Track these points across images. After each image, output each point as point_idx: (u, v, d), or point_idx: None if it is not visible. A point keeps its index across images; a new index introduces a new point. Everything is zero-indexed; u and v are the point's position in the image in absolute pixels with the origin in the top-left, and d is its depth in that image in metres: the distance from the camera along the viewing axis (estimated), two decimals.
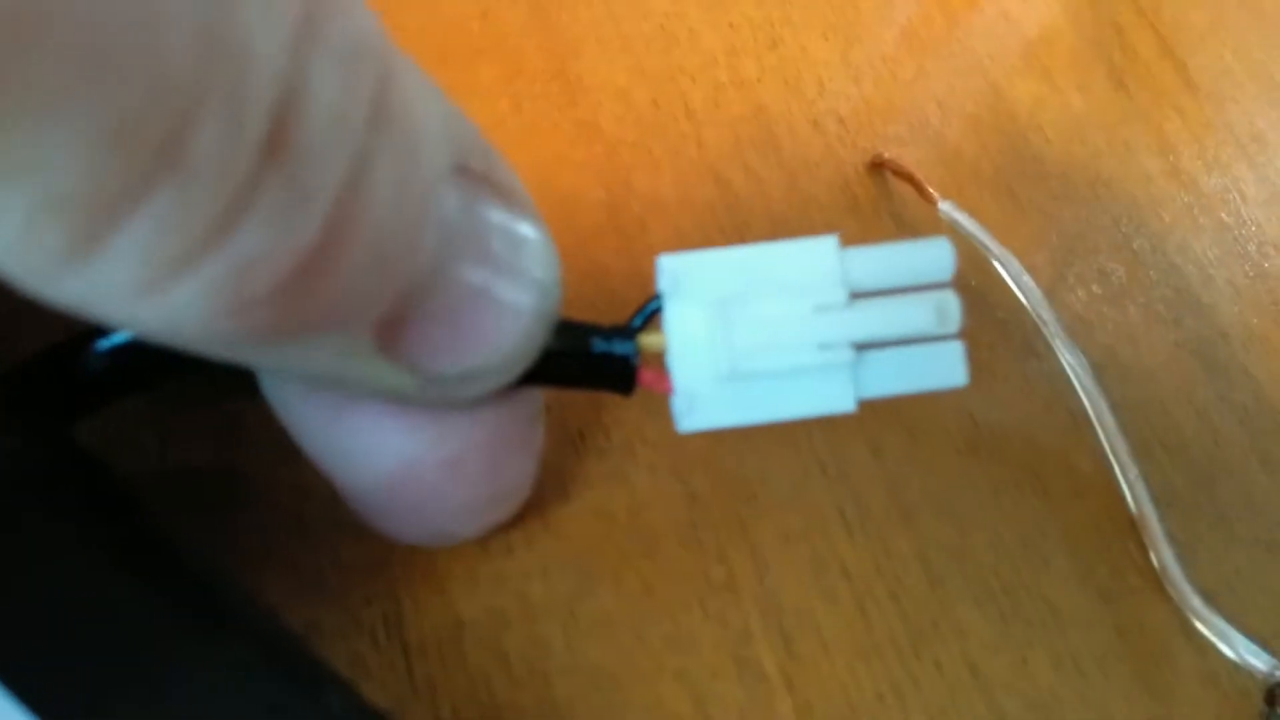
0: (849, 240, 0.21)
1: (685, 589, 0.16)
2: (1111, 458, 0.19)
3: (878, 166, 0.22)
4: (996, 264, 0.20)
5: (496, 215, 0.11)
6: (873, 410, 0.18)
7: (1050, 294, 0.21)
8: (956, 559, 0.17)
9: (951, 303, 0.13)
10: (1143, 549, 0.18)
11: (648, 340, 0.12)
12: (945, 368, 0.13)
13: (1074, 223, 0.23)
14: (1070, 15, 0.28)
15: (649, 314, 0.12)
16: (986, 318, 0.21)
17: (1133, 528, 0.18)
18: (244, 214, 0.08)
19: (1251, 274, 0.23)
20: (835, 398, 0.12)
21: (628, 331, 0.12)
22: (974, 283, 0.21)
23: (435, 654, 0.14)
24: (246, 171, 0.08)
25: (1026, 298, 0.20)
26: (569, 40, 0.22)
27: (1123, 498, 0.19)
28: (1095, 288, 0.22)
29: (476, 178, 0.11)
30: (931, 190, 0.21)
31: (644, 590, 0.16)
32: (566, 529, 0.16)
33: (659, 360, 0.12)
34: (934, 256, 0.13)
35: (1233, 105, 0.27)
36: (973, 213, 0.21)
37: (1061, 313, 0.21)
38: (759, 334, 0.12)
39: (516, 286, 0.11)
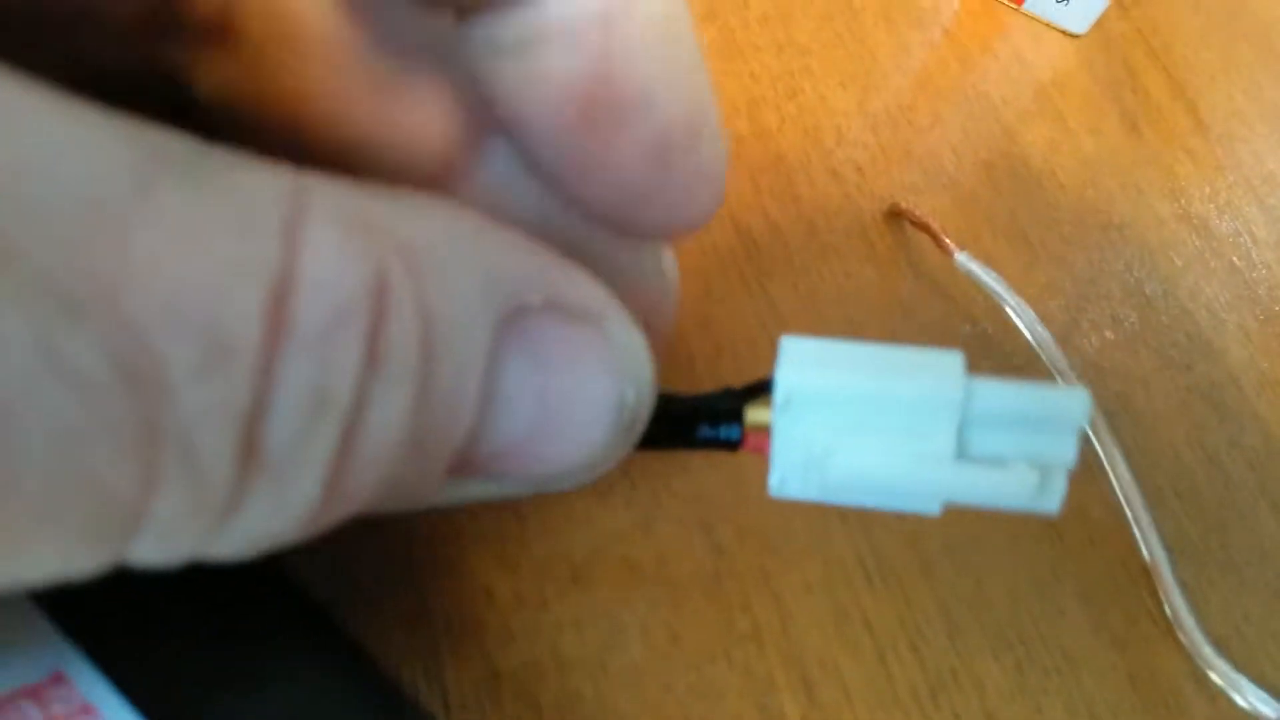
0: (868, 286, 0.22)
1: (711, 639, 0.16)
2: (1125, 505, 0.19)
3: (895, 215, 0.22)
4: (1011, 313, 0.21)
5: (563, 336, 0.11)
6: None
7: (1064, 340, 0.22)
8: (975, 609, 0.18)
9: (1066, 458, 0.12)
10: (1155, 596, 0.19)
11: (753, 417, 0.12)
12: (1041, 497, 0.12)
13: (1087, 267, 0.24)
14: (1083, 57, 0.28)
15: (756, 391, 0.12)
16: (1003, 364, 0.21)
17: (1145, 575, 0.19)
18: (235, 513, 0.08)
19: (1262, 317, 0.24)
20: (921, 504, 0.12)
21: (733, 410, 0.12)
22: (990, 329, 0.21)
23: (475, 706, 0.15)
24: (227, 484, 0.08)
25: (1040, 346, 0.21)
26: None
27: (1136, 545, 0.19)
28: (1108, 333, 0.22)
29: (537, 312, 0.10)
30: (947, 240, 0.21)
31: (671, 641, 0.16)
32: (597, 581, 0.16)
33: (760, 433, 0.12)
34: (1071, 405, 0.12)
35: (1244, 146, 0.28)
36: (988, 260, 0.22)
37: (1075, 358, 0.22)
38: (857, 466, 0.12)
39: (593, 396, 0.11)
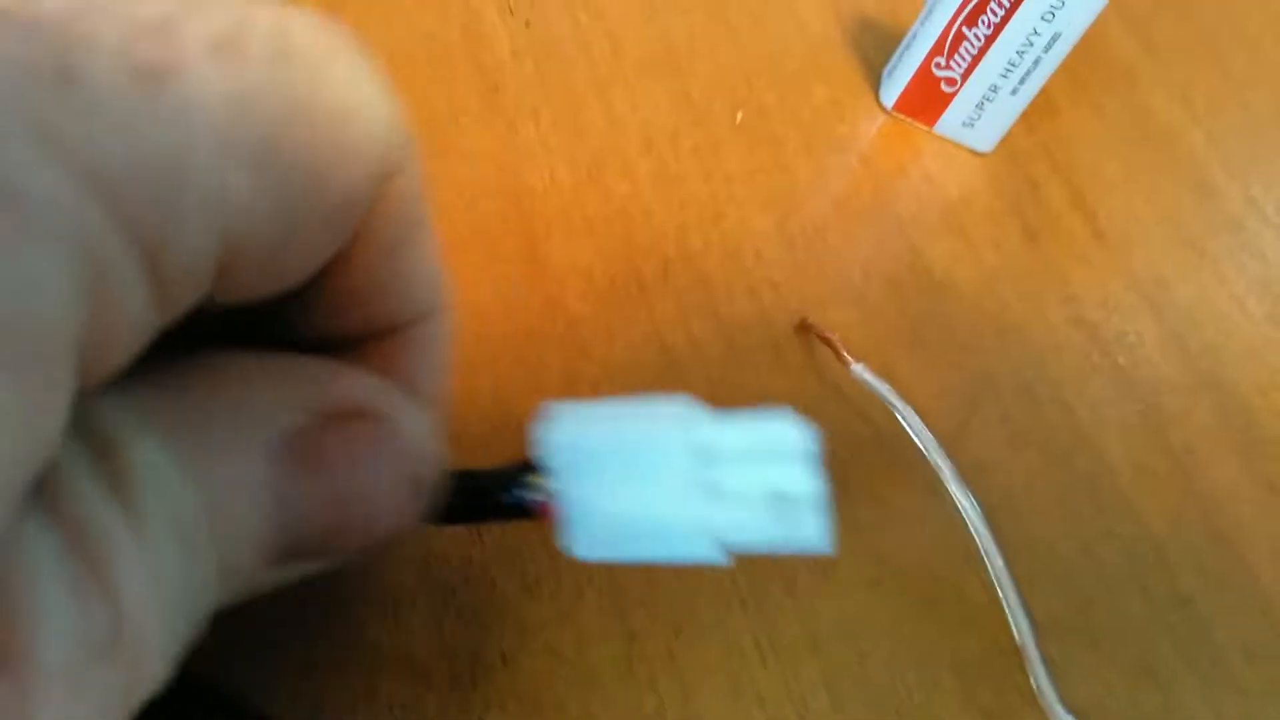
0: (779, 395, 0.24)
1: (621, 717, 0.19)
2: (999, 590, 0.22)
3: (803, 330, 0.25)
4: (900, 418, 0.24)
5: (341, 441, 0.12)
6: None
7: (954, 439, 0.25)
8: (859, 683, 0.20)
9: (816, 516, 0.13)
10: (1023, 671, 0.21)
11: (537, 482, 0.13)
12: (807, 532, 0.13)
13: (980, 371, 0.26)
14: (988, 174, 0.31)
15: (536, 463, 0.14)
16: (895, 461, 0.24)
17: (1016, 652, 0.21)
18: None
19: (1143, 411, 0.27)
20: (702, 550, 0.13)
21: (523, 478, 0.14)
22: (885, 431, 0.24)
23: None
24: None
25: (925, 448, 0.23)
26: (540, 225, 0.26)
27: (1008, 625, 0.22)
28: (996, 432, 0.25)
29: (311, 427, 0.12)
30: (845, 354, 0.24)
31: (586, 718, 0.19)
32: (521, 666, 0.19)
33: (551, 496, 0.13)
34: (788, 437, 0.13)
35: (1139, 251, 0.31)
36: (887, 366, 0.25)
37: (963, 457, 0.24)
38: (627, 514, 0.13)
39: (382, 487, 0.12)
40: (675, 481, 0.13)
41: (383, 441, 0.12)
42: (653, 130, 0.29)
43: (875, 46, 0.33)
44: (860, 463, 0.24)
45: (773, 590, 0.21)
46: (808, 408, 0.25)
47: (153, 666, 0.10)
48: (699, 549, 0.13)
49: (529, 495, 0.14)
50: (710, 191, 0.28)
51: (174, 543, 0.10)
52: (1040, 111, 0.33)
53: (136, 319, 0.10)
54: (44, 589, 0.09)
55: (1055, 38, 0.29)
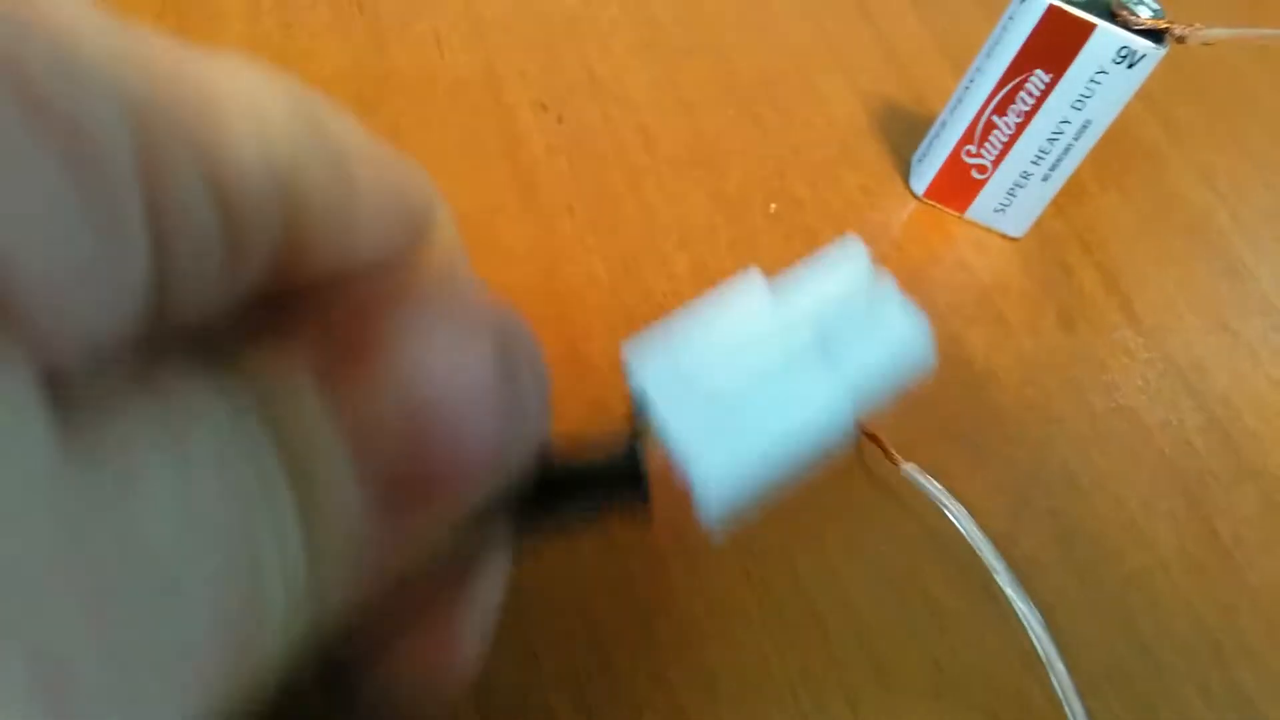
0: (826, 495, 0.24)
1: None
2: (1061, 697, 0.22)
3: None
4: (952, 517, 0.23)
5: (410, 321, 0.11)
6: (851, 663, 0.21)
7: (1006, 537, 0.24)
8: None
9: (907, 318, 0.13)
10: None
11: (643, 429, 0.13)
12: (917, 351, 0.13)
13: (1027, 464, 0.26)
14: (1021, 258, 0.32)
15: (630, 420, 0.13)
16: (950, 564, 0.24)
17: None
18: None
19: (1189, 502, 0.26)
20: (831, 419, 0.12)
21: (623, 441, 0.13)
22: (936, 529, 0.24)
23: None
24: None
25: (979, 548, 0.23)
26: (580, 325, 0.26)
27: None
28: (1047, 528, 0.25)
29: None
30: (893, 452, 0.24)
31: None
32: None
33: (658, 458, 0.13)
34: (851, 256, 0.13)
35: (1174, 336, 0.31)
36: (935, 462, 0.25)
37: (1016, 554, 0.24)
38: (732, 369, 0.12)
39: (463, 386, 0.11)
40: (782, 357, 0.12)
41: (455, 319, 0.11)
42: (688, 225, 0.29)
43: (903, 134, 0.33)
44: (913, 564, 0.23)
45: (834, 704, 0.21)
46: (857, 508, 0.24)
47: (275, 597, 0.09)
48: (827, 420, 0.12)
49: (637, 453, 0.13)
50: None
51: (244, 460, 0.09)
52: (1070, 195, 0.33)
53: (207, 241, 0.09)
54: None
55: (1085, 126, 0.29)
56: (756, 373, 0.12)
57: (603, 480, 0.13)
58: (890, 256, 0.30)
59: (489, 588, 0.13)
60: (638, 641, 0.21)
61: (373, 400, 0.10)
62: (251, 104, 0.09)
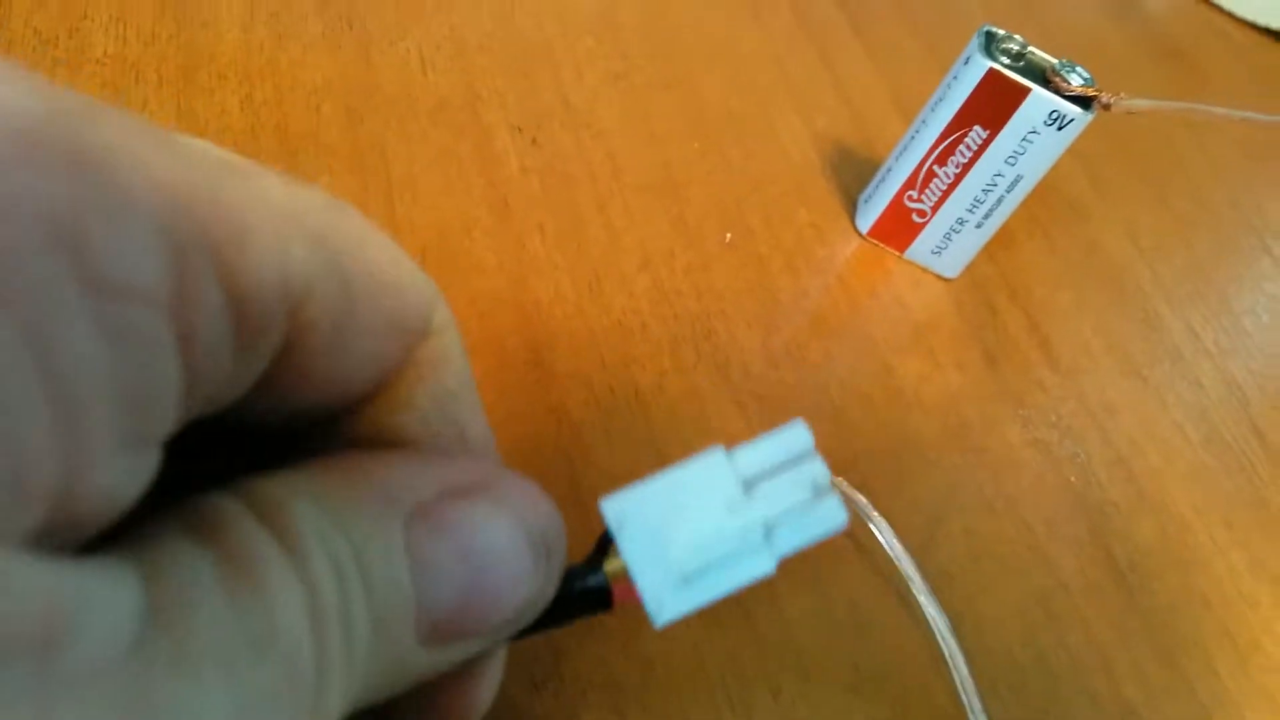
0: None
1: None
2: (963, 696, 0.24)
3: None
4: (875, 530, 0.26)
5: (464, 509, 0.14)
6: (776, 657, 0.23)
7: (923, 550, 0.27)
8: None
9: (821, 472, 0.16)
10: None
11: (611, 566, 0.16)
12: (831, 517, 0.16)
13: (946, 486, 0.29)
14: (953, 299, 0.34)
15: (604, 545, 0.16)
16: (871, 572, 0.26)
17: None
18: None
19: (1091, 529, 0.29)
20: (760, 566, 0.16)
21: (595, 565, 0.16)
22: (863, 540, 0.26)
23: None
24: None
25: (898, 559, 0.25)
26: (546, 336, 0.28)
27: None
28: (960, 544, 0.27)
29: (435, 503, 0.13)
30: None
31: None
32: None
33: (623, 578, 0.16)
34: (796, 436, 0.16)
35: (1088, 378, 0.33)
36: (862, 479, 0.27)
37: (930, 567, 0.26)
38: (692, 541, 0.15)
39: (506, 541, 0.14)
40: (731, 516, 0.15)
41: (501, 502, 0.14)
42: (650, 248, 0.31)
43: (852, 175, 0.36)
44: (836, 570, 0.25)
45: (759, 694, 0.23)
46: None
47: (307, 697, 0.11)
48: (759, 567, 0.16)
49: (605, 579, 0.16)
50: (702, 308, 0.30)
51: (333, 591, 0.11)
52: (1000, 242, 0.35)
53: (218, 340, 0.11)
54: (196, 582, 0.10)
55: (1017, 180, 0.32)
56: (706, 536, 0.15)
57: (577, 605, 0.16)
58: (833, 289, 0.33)
59: (498, 656, 0.17)
60: (584, 629, 0.22)
61: (442, 556, 0.13)
62: (277, 232, 0.11)
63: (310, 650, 0.11)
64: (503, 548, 0.14)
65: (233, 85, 0.30)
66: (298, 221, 0.11)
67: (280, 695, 0.11)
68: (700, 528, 0.15)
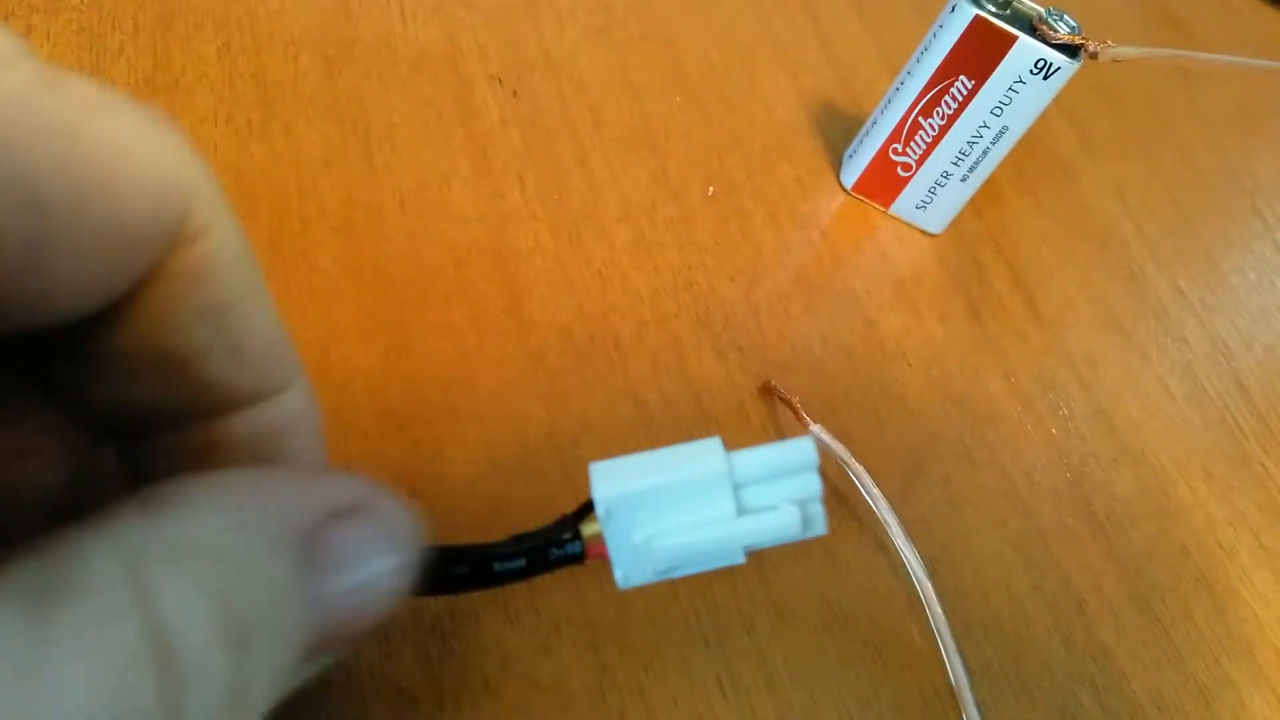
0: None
1: None
2: (937, 636, 0.24)
3: (767, 392, 0.27)
4: (853, 476, 0.26)
5: (346, 533, 0.13)
6: (749, 595, 0.23)
7: (901, 497, 0.27)
8: None
9: (816, 487, 0.16)
10: (958, 712, 0.23)
11: (588, 531, 0.16)
12: (811, 526, 0.16)
13: (925, 436, 0.29)
14: (938, 254, 0.34)
15: (584, 512, 0.16)
16: (847, 516, 0.26)
17: (952, 695, 0.23)
18: None
19: (1071, 479, 0.29)
20: (731, 557, 0.16)
21: (573, 529, 0.16)
22: (841, 488, 0.26)
23: None
24: None
25: (875, 504, 0.25)
26: (524, 285, 0.28)
27: (945, 670, 0.24)
28: (939, 492, 0.27)
29: (320, 526, 0.13)
30: (805, 415, 0.26)
31: None
32: (503, 693, 0.21)
33: (598, 541, 0.16)
34: (802, 451, 0.16)
35: (1070, 332, 0.33)
36: (842, 428, 0.27)
37: (908, 513, 0.26)
38: (672, 544, 0.16)
39: (384, 568, 0.14)
40: (716, 512, 0.16)
41: (380, 530, 0.14)
42: (630, 201, 0.31)
43: (837, 131, 0.36)
44: None
45: (734, 631, 0.23)
46: None
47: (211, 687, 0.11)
48: (728, 558, 0.16)
49: (578, 546, 0.16)
50: (683, 260, 0.30)
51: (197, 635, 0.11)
52: (987, 198, 0.35)
53: None
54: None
55: (1003, 131, 0.32)
56: (689, 543, 0.16)
57: (551, 560, 0.16)
58: (816, 244, 0.33)
59: None
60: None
61: (329, 590, 0.13)
62: None
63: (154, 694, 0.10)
64: (383, 577, 0.14)
65: (210, 33, 0.29)
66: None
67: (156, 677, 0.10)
68: (685, 538, 0.16)
